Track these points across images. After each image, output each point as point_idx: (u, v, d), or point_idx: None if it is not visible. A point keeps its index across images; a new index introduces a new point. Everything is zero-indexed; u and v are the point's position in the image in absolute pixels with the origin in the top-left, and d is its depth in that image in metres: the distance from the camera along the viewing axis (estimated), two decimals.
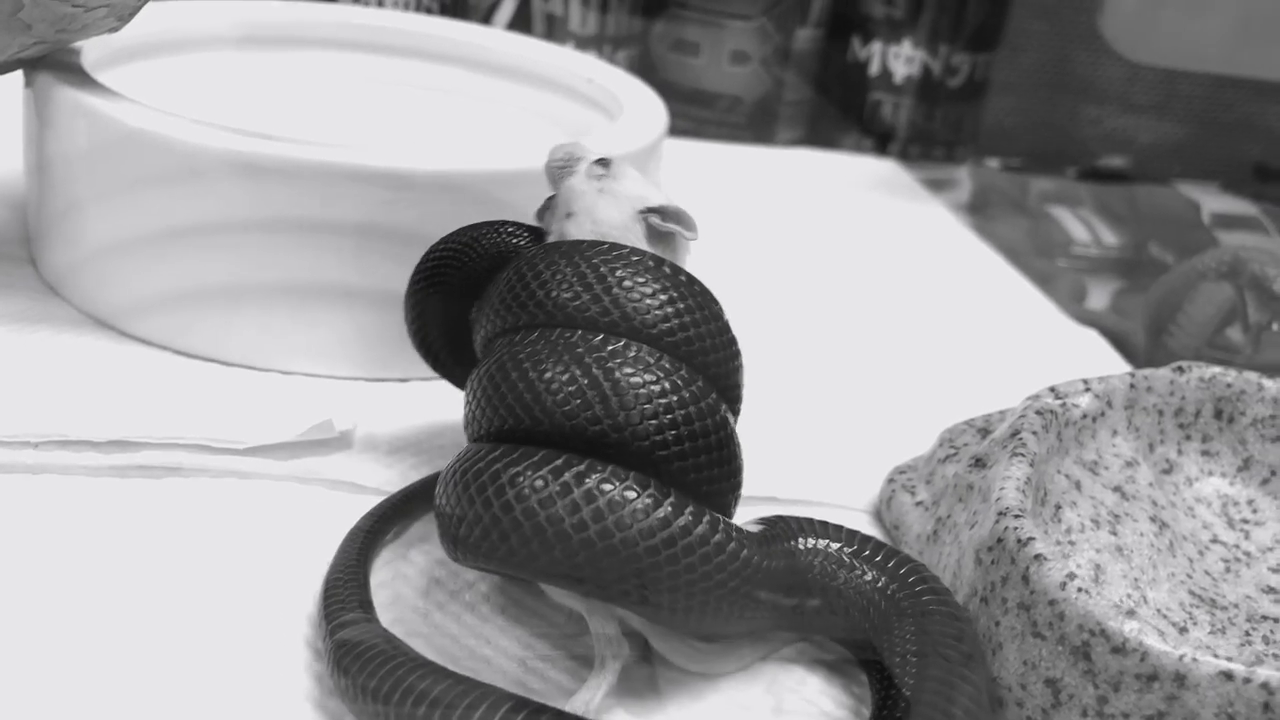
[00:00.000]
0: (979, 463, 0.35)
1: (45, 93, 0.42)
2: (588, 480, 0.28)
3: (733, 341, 0.33)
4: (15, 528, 0.33)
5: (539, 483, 0.28)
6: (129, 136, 0.40)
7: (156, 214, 0.41)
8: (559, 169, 0.35)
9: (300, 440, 0.37)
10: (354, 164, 0.40)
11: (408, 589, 0.33)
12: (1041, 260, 0.67)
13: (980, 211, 0.73)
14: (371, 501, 0.35)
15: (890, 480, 0.39)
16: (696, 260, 0.56)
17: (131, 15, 0.41)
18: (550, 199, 0.35)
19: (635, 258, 0.32)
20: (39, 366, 0.39)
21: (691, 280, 0.32)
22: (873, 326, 0.53)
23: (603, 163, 0.34)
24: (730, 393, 0.33)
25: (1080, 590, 0.28)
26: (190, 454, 0.36)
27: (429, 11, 0.70)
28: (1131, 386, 0.38)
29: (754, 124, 0.78)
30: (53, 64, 0.43)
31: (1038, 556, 0.29)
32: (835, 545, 0.32)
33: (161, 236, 0.41)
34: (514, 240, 0.35)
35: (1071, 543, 0.34)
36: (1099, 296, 0.64)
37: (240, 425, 0.37)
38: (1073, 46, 0.85)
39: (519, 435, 0.30)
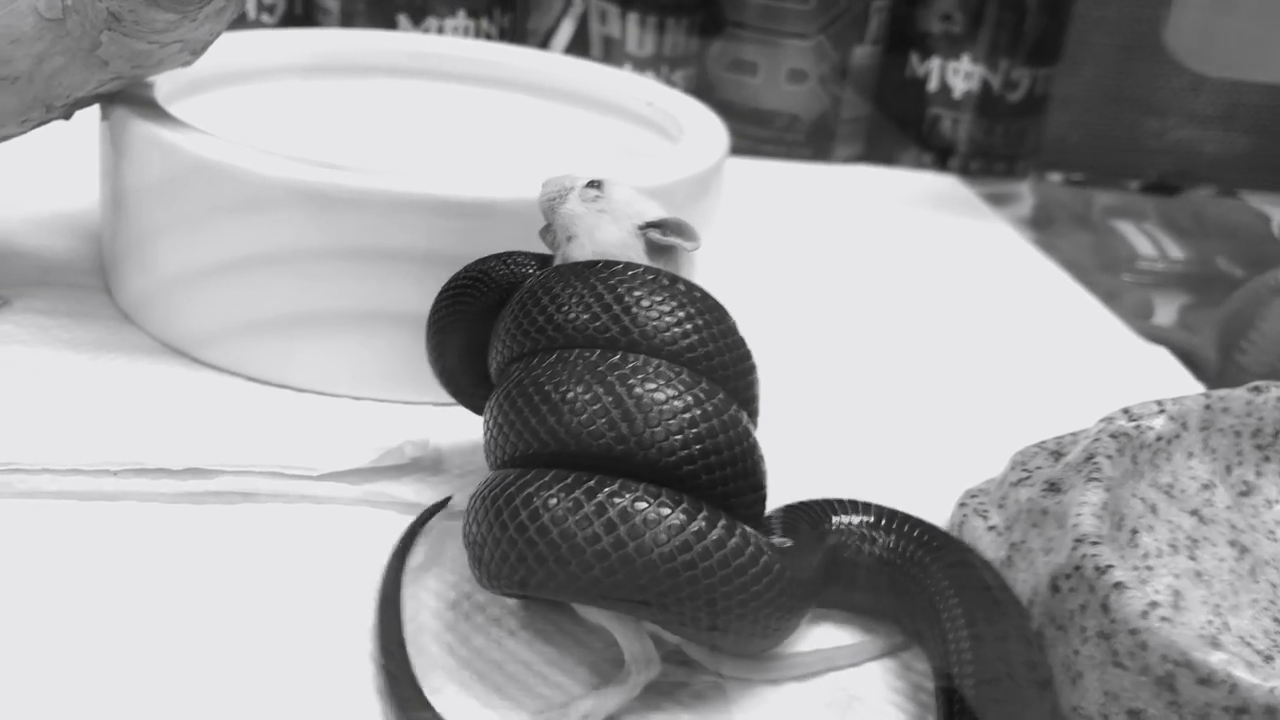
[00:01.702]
0: (1053, 487, 0.35)
1: (121, 126, 0.43)
2: (620, 499, 0.28)
3: (748, 354, 0.33)
4: (96, 554, 0.34)
5: (572, 504, 0.28)
6: (201, 167, 0.41)
7: (228, 243, 0.41)
8: (551, 201, 0.35)
9: (372, 467, 0.37)
10: (420, 193, 0.40)
11: (430, 619, 0.33)
12: (1106, 276, 0.66)
13: (1042, 227, 0.72)
14: (442, 525, 0.35)
15: (962, 504, 0.39)
16: (757, 277, 0.56)
17: (204, 49, 0.42)
18: (547, 226, 0.36)
19: (647, 275, 0.32)
20: (115, 394, 0.40)
21: (704, 295, 0.32)
22: (938, 345, 0.53)
23: (594, 184, 0.35)
24: (748, 405, 0.32)
25: (1163, 619, 0.28)
26: (265, 480, 0.36)
27: (488, 37, 0.70)
28: (1207, 407, 0.37)
29: (812, 142, 0.78)
30: (127, 98, 0.44)
31: (1118, 584, 0.29)
32: (862, 519, 0.34)
33: (233, 265, 0.42)
34: (524, 270, 0.35)
35: (1149, 568, 0.34)
36: (1165, 312, 0.63)
37: (313, 451, 0.38)
38: (1134, 59, 0.84)
39: (543, 459, 0.29)
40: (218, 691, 0.30)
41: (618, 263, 0.32)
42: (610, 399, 0.29)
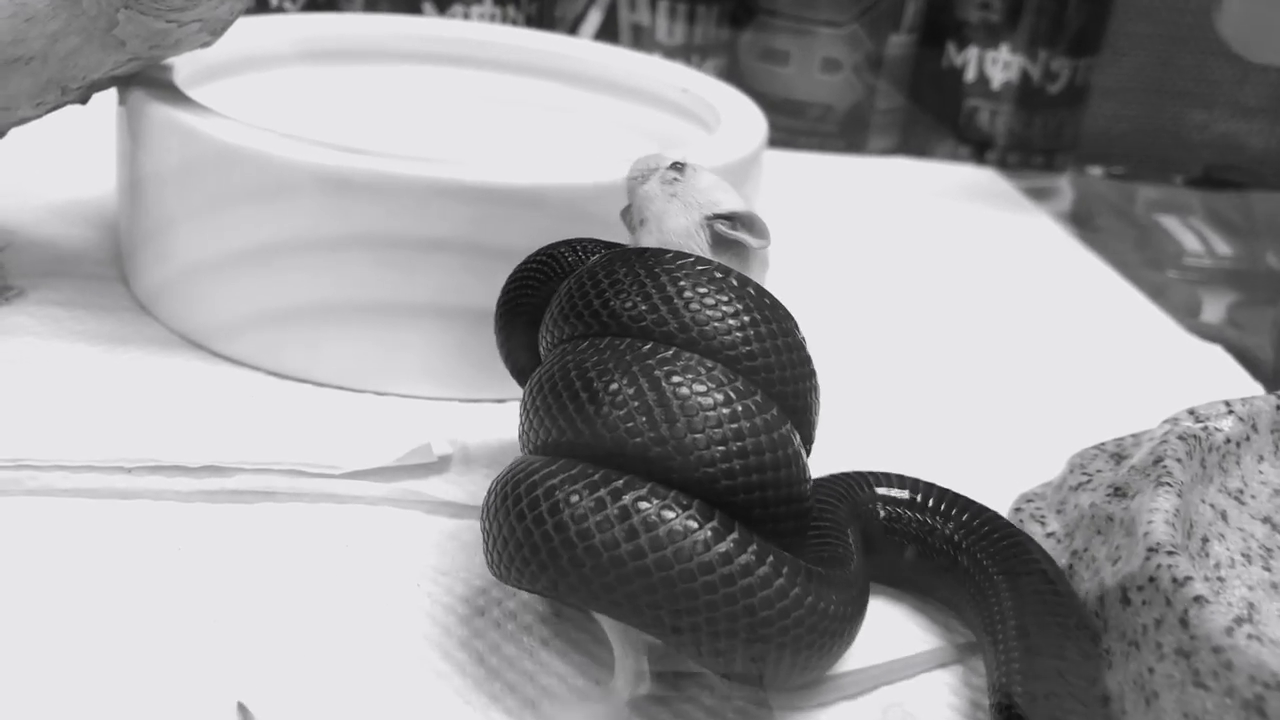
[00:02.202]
0: (1118, 492, 0.33)
1: (138, 109, 0.42)
2: (646, 505, 0.26)
3: (810, 371, 0.30)
4: (107, 553, 0.32)
5: (593, 503, 0.26)
6: (220, 152, 0.39)
7: (248, 231, 0.40)
8: (633, 181, 0.33)
9: (398, 465, 0.36)
10: (446, 179, 0.38)
11: (457, 624, 0.31)
12: (1151, 272, 0.64)
13: (1083, 221, 0.70)
14: (473, 525, 0.34)
15: (1018, 509, 0.37)
16: (792, 273, 0.54)
17: (224, 29, 0.41)
18: (628, 207, 0.34)
19: (715, 273, 0.29)
20: (131, 388, 0.39)
21: (773, 302, 0.30)
22: (983, 343, 0.51)
23: (677, 167, 0.33)
24: (803, 423, 0.30)
25: (1251, 637, 0.26)
26: (284, 478, 0.35)
27: (515, 24, 0.69)
28: (1278, 408, 0.35)
29: (846, 133, 0.76)
30: (145, 81, 0.42)
31: (1198, 598, 0.27)
32: (913, 496, 0.33)
33: (253, 254, 0.40)
34: (592, 256, 0.33)
35: (1221, 579, 0.32)
36: (1213, 310, 0.61)
37: (336, 449, 0.36)
38: (1178, 49, 0.81)
39: (575, 450, 0.28)
40: (224, 695, 0.28)
41: (689, 255, 0.30)
42: (654, 395, 0.27)
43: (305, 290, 0.40)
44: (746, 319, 0.29)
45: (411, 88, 0.54)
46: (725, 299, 0.29)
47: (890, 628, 0.33)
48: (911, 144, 0.78)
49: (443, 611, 0.31)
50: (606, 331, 0.29)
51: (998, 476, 0.40)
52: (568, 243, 0.34)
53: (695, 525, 0.26)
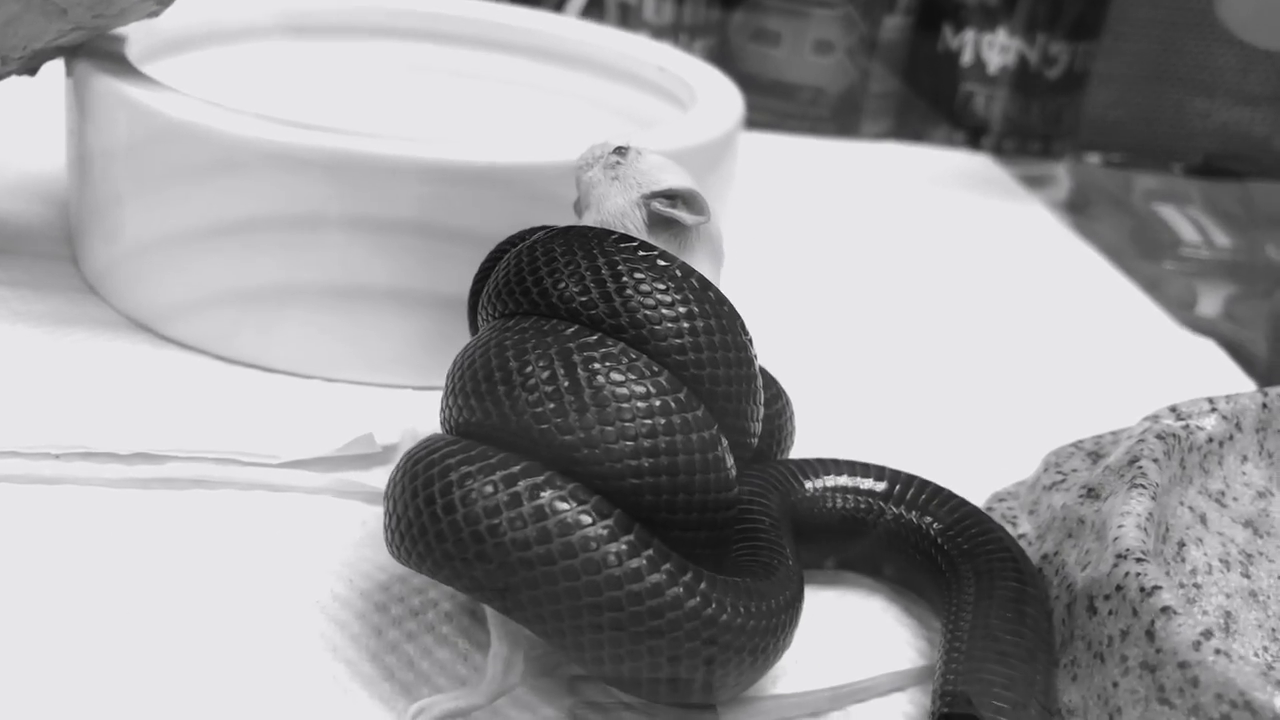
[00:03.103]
0: (1091, 493, 0.31)
1: (84, 82, 0.40)
2: (542, 495, 0.24)
3: (752, 372, 0.28)
4: (28, 540, 0.31)
5: (488, 489, 0.24)
6: (167, 127, 0.38)
7: (195, 210, 0.38)
8: (579, 169, 0.32)
9: (339, 455, 0.34)
10: (398, 156, 0.37)
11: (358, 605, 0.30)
12: (1147, 263, 0.62)
13: (1080, 210, 0.68)
14: None
15: (989, 509, 0.35)
16: (776, 259, 0.53)
17: (170, 0, 0.39)
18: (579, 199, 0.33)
19: (659, 261, 0.28)
20: (71, 371, 0.37)
21: (718, 297, 0.28)
22: (967, 334, 0.49)
23: (620, 151, 0.31)
24: (736, 432, 0.28)
25: (1218, 652, 0.24)
26: (219, 467, 0.33)
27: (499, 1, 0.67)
28: (1264, 406, 0.34)
29: (838, 117, 0.74)
30: (94, 52, 0.41)
31: (1165, 609, 0.25)
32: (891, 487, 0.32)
33: (201, 234, 0.38)
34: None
35: (1197, 586, 0.30)
36: (1210, 302, 0.60)
37: (275, 438, 0.34)
38: (1180, 34, 0.79)
39: (486, 431, 0.26)
40: (148, 684, 0.26)
41: (633, 240, 0.28)
42: (567, 382, 0.26)
43: (254, 273, 0.38)
44: (683, 310, 0.27)
45: (385, 63, 0.53)
46: (663, 287, 0.27)
47: (854, 644, 0.31)
48: (906, 129, 0.76)
49: (356, 599, 0.30)
50: (537, 311, 0.28)
51: (977, 471, 0.39)
52: (543, 229, 0.32)
53: (588, 520, 0.24)
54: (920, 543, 0.32)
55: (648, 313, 0.27)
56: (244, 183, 0.37)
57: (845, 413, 0.42)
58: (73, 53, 0.41)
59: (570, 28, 0.53)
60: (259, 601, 0.30)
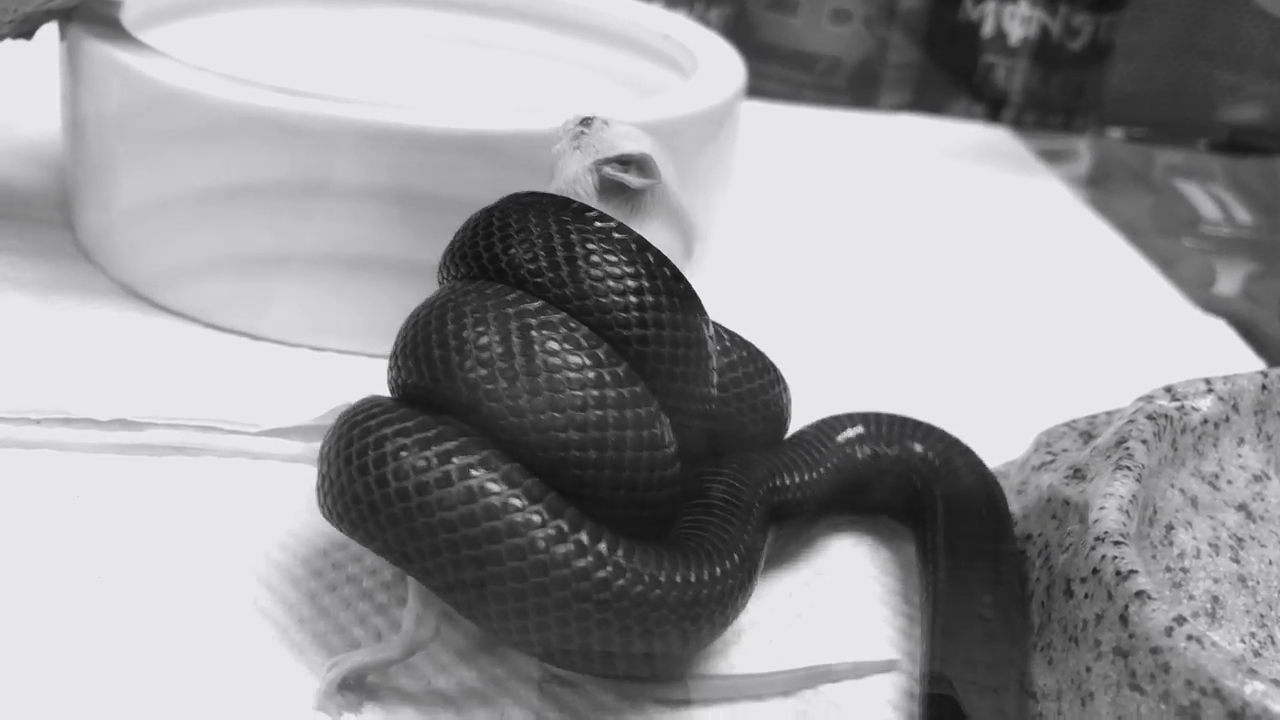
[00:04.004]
0: (1077, 474, 0.31)
1: (77, 47, 0.40)
2: (473, 475, 0.24)
3: (702, 356, 0.27)
4: (3, 502, 0.31)
5: (420, 463, 0.24)
6: (157, 92, 0.37)
7: (185, 176, 0.38)
8: (553, 140, 0.32)
9: (318, 424, 0.34)
10: (389, 123, 0.36)
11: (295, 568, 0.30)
12: (1165, 240, 0.61)
13: (1100, 185, 0.67)
14: None
15: None
16: (785, 232, 0.52)
17: None
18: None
19: (615, 234, 0.27)
20: (58, 338, 0.37)
21: (674, 274, 0.27)
22: (976, 311, 0.48)
23: (585, 121, 0.31)
24: (682, 413, 0.27)
25: (1190, 638, 0.23)
26: (198, 434, 0.33)
27: None
28: (1263, 388, 0.33)
29: (855, 88, 0.73)
30: (88, 17, 0.40)
31: (1139, 594, 0.25)
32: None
33: (190, 200, 0.38)
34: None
35: (1185, 570, 0.30)
36: (1229, 280, 0.58)
37: (261, 404, 0.34)
38: (1208, 5, 0.78)
39: (424, 394, 0.26)
40: (115, 655, 0.26)
41: (592, 210, 0.28)
42: (501, 349, 0.25)
43: (242, 241, 0.38)
44: (632, 284, 0.27)
45: (388, 30, 0.52)
46: (614, 260, 0.27)
47: (832, 624, 0.31)
48: (925, 101, 0.74)
49: (295, 564, 0.30)
50: (487, 276, 0.27)
51: (975, 447, 0.38)
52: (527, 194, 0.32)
53: (517, 505, 0.24)
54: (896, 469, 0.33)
55: (594, 284, 0.26)
56: (232, 150, 0.37)
57: (855, 386, 0.41)
58: (66, 16, 0.41)
59: None
60: (214, 566, 0.30)
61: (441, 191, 0.37)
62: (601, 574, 0.24)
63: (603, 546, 0.24)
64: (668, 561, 0.25)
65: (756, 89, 0.70)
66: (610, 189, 0.29)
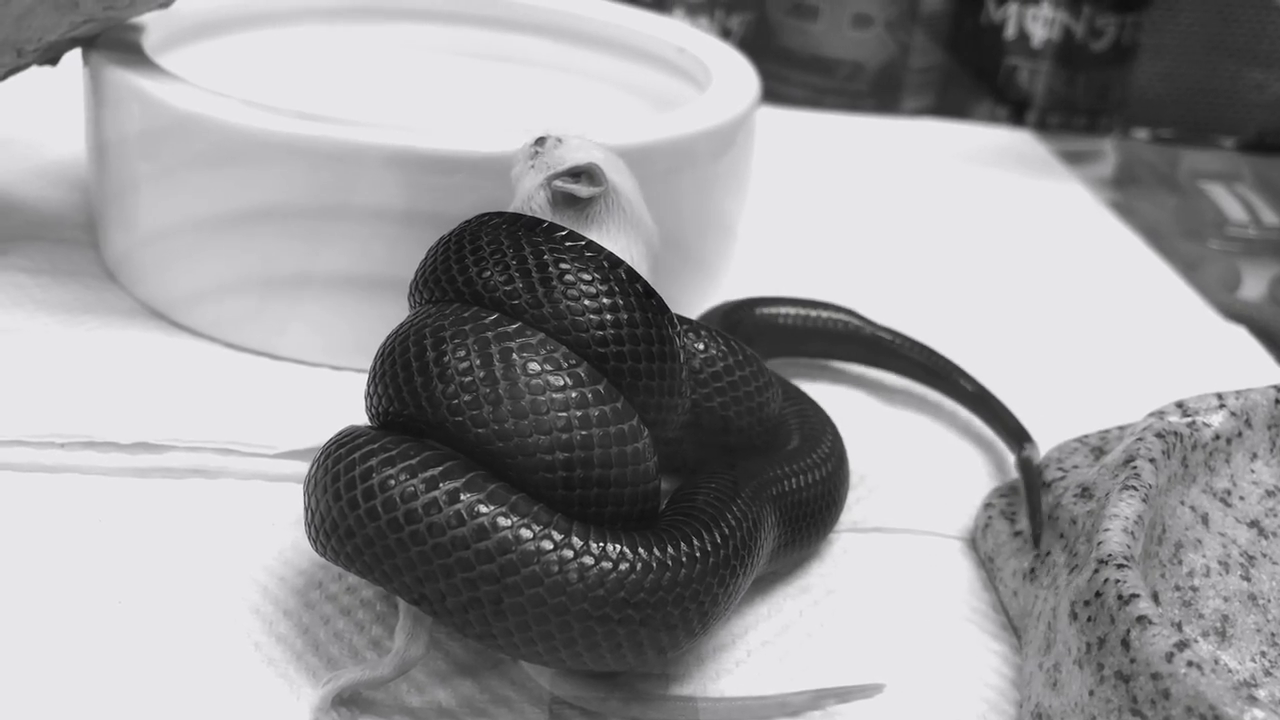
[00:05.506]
0: (1086, 492, 0.31)
1: (98, 73, 0.41)
2: (462, 498, 0.24)
3: (674, 370, 0.28)
4: (26, 526, 0.31)
5: (409, 490, 0.25)
6: (176, 118, 0.38)
7: (206, 199, 0.39)
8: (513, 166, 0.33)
9: None
10: (404, 146, 0.37)
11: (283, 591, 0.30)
12: (1190, 243, 0.61)
13: (1125, 188, 0.67)
14: None
15: (988, 504, 0.35)
16: (805, 237, 0.52)
17: None
18: None
19: (586, 252, 0.27)
20: (82, 360, 0.38)
21: (645, 289, 0.28)
22: (994, 319, 0.48)
23: (539, 141, 0.32)
24: (658, 425, 0.28)
25: (1191, 664, 0.24)
26: (218, 457, 0.34)
27: None
28: (1276, 402, 0.33)
29: (877, 92, 0.73)
30: (110, 43, 0.41)
31: (1141, 619, 0.25)
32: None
33: (211, 223, 0.39)
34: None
35: (1194, 588, 0.30)
36: (1254, 284, 0.58)
37: (274, 427, 0.35)
38: (1235, 4, 0.77)
39: (407, 420, 0.26)
40: (134, 674, 0.27)
41: (561, 229, 0.28)
42: (483, 373, 0.26)
43: (263, 262, 0.39)
44: (607, 301, 0.27)
45: (406, 46, 0.53)
46: (588, 278, 0.27)
47: (843, 646, 0.31)
48: (948, 104, 0.74)
49: (291, 576, 0.31)
50: (462, 299, 0.28)
51: (978, 466, 0.38)
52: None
53: (505, 524, 0.24)
54: None
55: (570, 304, 0.27)
56: (250, 173, 0.38)
57: (874, 391, 0.41)
58: (89, 43, 0.41)
59: (591, 7, 0.52)
60: (225, 591, 0.30)
61: (459, 213, 0.37)
62: (614, 572, 0.24)
63: (603, 546, 0.25)
64: (656, 543, 0.26)
65: (779, 95, 0.70)
66: (562, 201, 0.30)
